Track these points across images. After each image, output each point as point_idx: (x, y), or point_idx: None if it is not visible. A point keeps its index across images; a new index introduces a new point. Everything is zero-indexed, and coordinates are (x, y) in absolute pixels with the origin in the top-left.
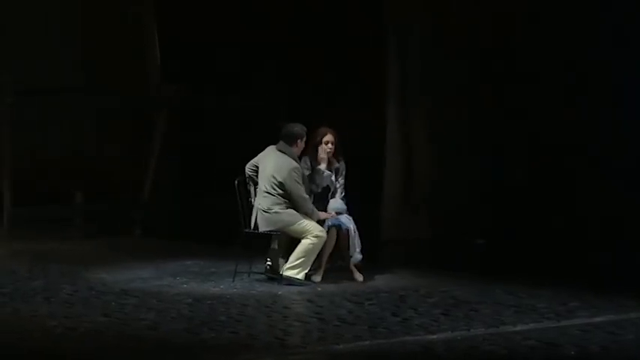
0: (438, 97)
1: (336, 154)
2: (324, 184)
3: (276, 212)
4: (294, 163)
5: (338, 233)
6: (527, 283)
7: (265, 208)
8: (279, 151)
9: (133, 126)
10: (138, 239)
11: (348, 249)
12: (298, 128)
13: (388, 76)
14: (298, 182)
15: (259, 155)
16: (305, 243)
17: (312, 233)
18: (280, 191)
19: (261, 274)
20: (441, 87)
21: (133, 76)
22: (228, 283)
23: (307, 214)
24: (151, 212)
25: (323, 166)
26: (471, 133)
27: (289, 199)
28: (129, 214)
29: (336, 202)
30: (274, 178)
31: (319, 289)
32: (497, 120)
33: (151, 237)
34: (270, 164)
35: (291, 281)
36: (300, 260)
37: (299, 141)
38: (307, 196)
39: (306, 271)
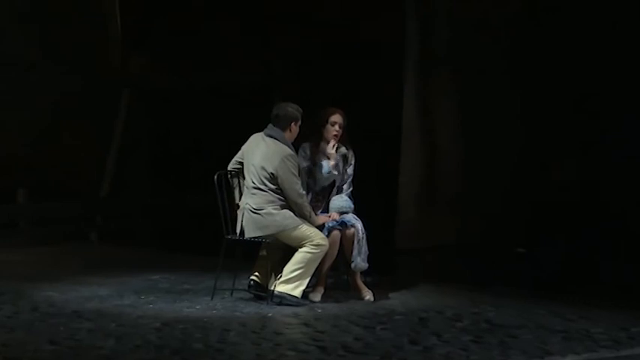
0: (467, 72)
1: (343, 140)
2: (325, 184)
3: (268, 213)
4: (288, 150)
5: (342, 236)
6: (579, 302)
7: (254, 208)
8: (269, 136)
9: (93, 109)
10: (94, 247)
11: (352, 252)
12: (292, 109)
13: (406, 46)
14: (293, 173)
15: (243, 147)
16: (303, 251)
17: (312, 241)
18: (272, 186)
19: (246, 291)
20: (469, 60)
21: (93, 52)
22: (205, 303)
23: (303, 217)
24: (112, 214)
25: (329, 164)
26: (507, 118)
27: (285, 197)
28: (84, 216)
29: (340, 200)
30: (264, 169)
31: (319, 310)
32: (540, 102)
33: (110, 244)
34: (259, 153)
35: (284, 299)
36: (296, 273)
37: (293, 124)
38: (304, 192)
39: (304, 287)
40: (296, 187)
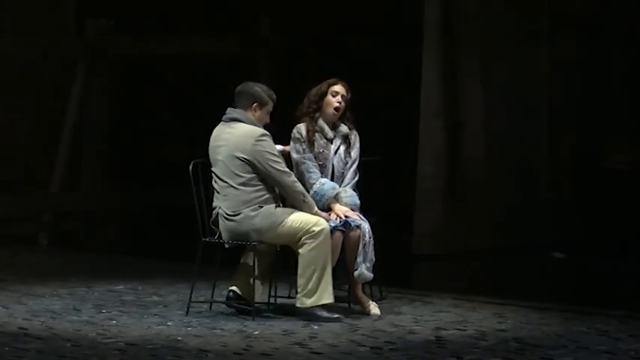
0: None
1: (344, 118)
2: (323, 172)
3: (245, 217)
4: (259, 129)
5: (344, 240)
6: (628, 318)
7: (228, 214)
8: (232, 120)
9: (42, 84)
10: (45, 252)
11: (356, 259)
12: (260, 89)
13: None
14: (271, 152)
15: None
16: (304, 251)
17: (307, 232)
18: (247, 176)
19: (225, 303)
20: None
21: (41, 13)
22: (179, 318)
23: (296, 202)
24: (65, 212)
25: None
26: (558, 89)
27: (267, 190)
28: (32, 215)
29: (344, 194)
30: (235, 158)
31: (315, 326)
32: (602, 62)
33: (64, 249)
34: (224, 143)
35: (314, 316)
36: (312, 280)
37: (256, 105)
38: (290, 171)
39: (331, 288)
40: (277, 166)
